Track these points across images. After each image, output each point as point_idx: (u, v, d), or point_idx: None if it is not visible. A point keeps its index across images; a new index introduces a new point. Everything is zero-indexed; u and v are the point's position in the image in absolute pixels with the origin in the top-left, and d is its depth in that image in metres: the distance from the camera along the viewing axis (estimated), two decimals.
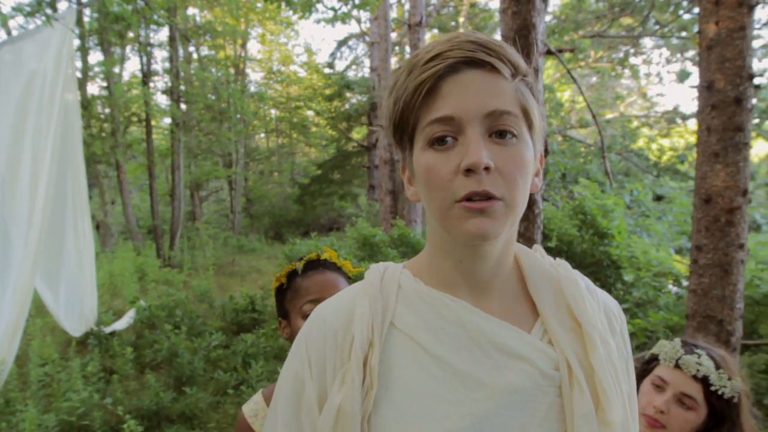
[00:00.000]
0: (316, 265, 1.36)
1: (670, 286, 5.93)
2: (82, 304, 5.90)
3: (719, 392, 1.49)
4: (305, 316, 1.21)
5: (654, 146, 14.83)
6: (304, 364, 0.78)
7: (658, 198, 10.26)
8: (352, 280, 1.34)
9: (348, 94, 17.87)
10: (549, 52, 4.94)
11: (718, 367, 1.52)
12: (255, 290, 7.92)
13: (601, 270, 6.53)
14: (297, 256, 7.07)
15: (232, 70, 16.67)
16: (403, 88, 0.74)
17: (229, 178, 17.47)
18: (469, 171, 0.69)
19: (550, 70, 16.24)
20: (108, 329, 6.14)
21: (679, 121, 14.51)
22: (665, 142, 15.29)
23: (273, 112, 21.82)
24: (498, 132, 0.71)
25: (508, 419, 0.72)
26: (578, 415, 0.72)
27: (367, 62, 17.84)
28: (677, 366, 1.52)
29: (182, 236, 12.03)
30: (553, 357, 0.75)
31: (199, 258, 10.76)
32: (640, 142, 15.06)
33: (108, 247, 11.44)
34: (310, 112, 20.92)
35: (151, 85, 12.74)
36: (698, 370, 1.50)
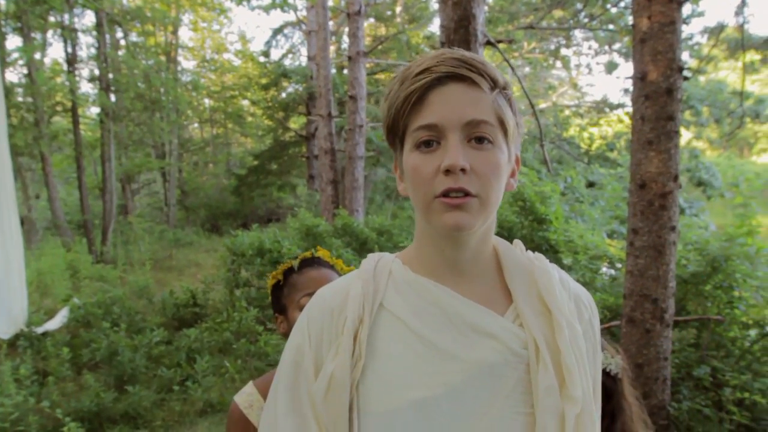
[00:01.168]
0: (311, 262, 1.42)
1: (604, 268, 6.21)
2: (10, 304, 5.60)
3: (607, 370, 1.65)
4: (303, 309, 1.28)
5: (585, 135, 15.42)
6: (305, 337, 0.88)
7: (590, 184, 10.69)
8: None
9: (285, 83, 17.60)
10: (488, 43, 5.05)
11: (602, 348, 1.68)
12: (195, 284, 7.73)
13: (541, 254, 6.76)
14: (239, 247, 6.96)
15: (163, 58, 16.08)
16: (395, 96, 0.83)
17: (162, 169, 16.90)
18: (448, 171, 0.78)
19: None
20: (40, 329, 5.85)
21: (607, 110, 15.12)
22: (595, 131, 15.91)
23: (207, 101, 21.24)
24: (476, 138, 0.80)
25: (479, 390, 0.81)
26: (542, 388, 0.81)
27: (303, 51, 17.61)
28: None
29: (115, 231, 11.57)
30: (523, 337, 0.84)
31: (134, 253, 10.39)
32: (572, 131, 15.62)
33: (33, 243, 10.85)
34: (245, 102, 20.50)
35: (76, 72, 12.11)
36: None
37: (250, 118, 21.21)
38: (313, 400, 0.84)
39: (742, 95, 5.84)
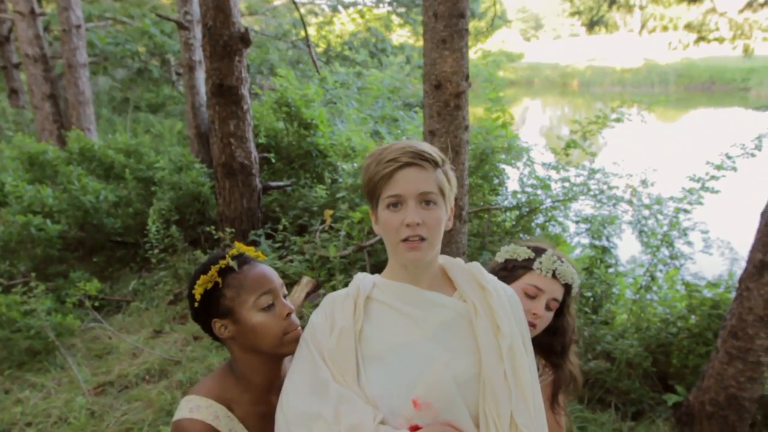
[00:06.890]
0: (247, 259, 1.43)
1: None
2: None
3: (570, 282, 1.71)
4: (262, 309, 1.37)
5: (321, 34, 15.30)
6: (321, 316, 1.37)
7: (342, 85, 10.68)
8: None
9: None
10: None
11: (569, 266, 1.72)
12: None
13: (311, 161, 6.59)
14: None
15: None
16: (374, 172, 1.29)
17: None
18: (408, 225, 1.25)
19: None
20: None
21: (341, 8, 15.12)
22: (330, 29, 15.88)
23: None
24: (425, 201, 1.27)
25: (440, 336, 1.29)
26: (480, 330, 1.29)
27: None
28: (554, 276, 1.68)
29: None
30: (465, 306, 1.33)
31: None
32: (311, 30, 15.36)
33: None
34: None
35: None
36: (572, 279, 1.69)
37: None
38: (326, 351, 1.29)
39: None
